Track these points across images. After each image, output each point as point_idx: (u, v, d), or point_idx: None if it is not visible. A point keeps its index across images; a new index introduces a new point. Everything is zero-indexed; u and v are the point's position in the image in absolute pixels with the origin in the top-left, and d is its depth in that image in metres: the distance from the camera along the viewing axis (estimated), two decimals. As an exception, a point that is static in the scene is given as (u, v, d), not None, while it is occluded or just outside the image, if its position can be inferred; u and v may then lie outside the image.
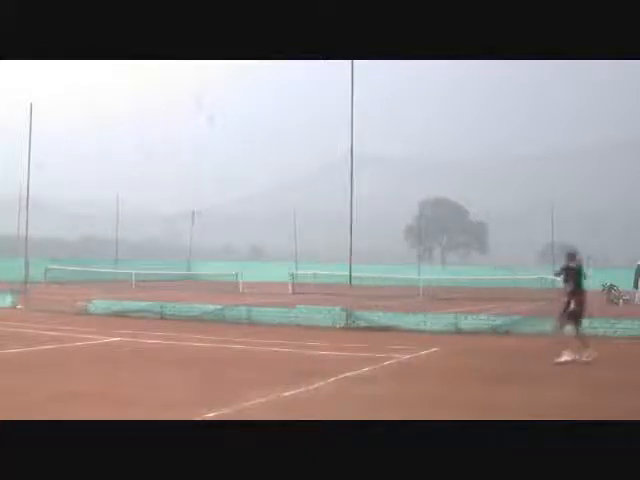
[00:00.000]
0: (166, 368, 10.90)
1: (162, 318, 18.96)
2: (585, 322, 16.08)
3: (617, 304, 27.46)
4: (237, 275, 37.98)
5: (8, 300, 22.25)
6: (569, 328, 11.85)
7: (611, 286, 29.28)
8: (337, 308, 17.97)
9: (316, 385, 9.24)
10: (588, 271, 14.18)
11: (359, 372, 10.54)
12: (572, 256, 12.31)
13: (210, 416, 7.25)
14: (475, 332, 16.20)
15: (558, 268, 13.01)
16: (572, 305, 11.79)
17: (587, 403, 8.46)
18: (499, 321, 16.79)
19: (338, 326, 17.22)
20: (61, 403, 7.94)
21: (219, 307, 19.34)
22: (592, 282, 34.51)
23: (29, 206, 26.89)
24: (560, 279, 12.52)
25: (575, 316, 11.83)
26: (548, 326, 16.17)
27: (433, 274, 43.33)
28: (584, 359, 11.32)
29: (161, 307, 19.80)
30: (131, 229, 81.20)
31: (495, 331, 16.23)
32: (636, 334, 15.35)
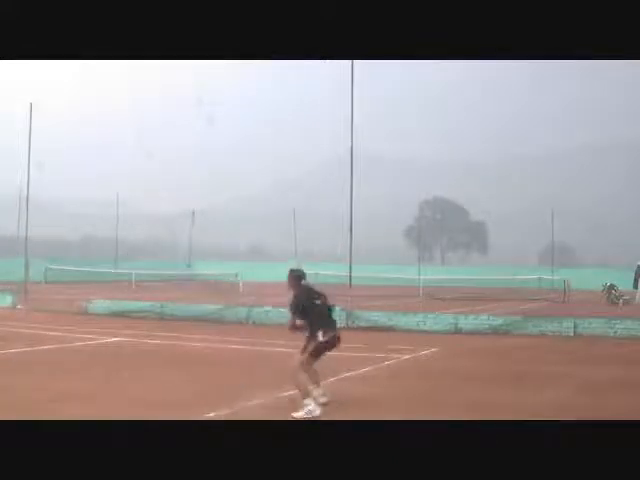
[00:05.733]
0: (166, 368, 10.90)
1: (162, 318, 18.95)
2: (585, 322, 16.20)
3: (617, 304, 27.46)
4: (237, 275, 37.98)
5: (8, 300, 22.24)
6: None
7: (611, 286, 29.28)
8: (337, 308, 17.95)
9: (316, 385, 9.22)
10: None
11: (359, 372, 10.54)
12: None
13: (210, 416, 7.25)
14: (475, 332, 16.20)
15: None
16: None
17: (587, 403, 8.46)
18: (499, 321, 16.79)
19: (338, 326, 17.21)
20: (61, 403, 7.94)
21: (219, 307, 19.34)
22: (592, 282, 34.72)
23: (29, 206, 26.86)
24: None
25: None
26: (548, 326, 16.22)
27: (433, 274, 43.33)
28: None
29: (161, 307, 19.80)
30: (131, 229, 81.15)
31: (495, 331, 16.23)
32: (636, 334, 15.35)
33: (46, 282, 37.77)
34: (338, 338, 8.39)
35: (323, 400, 8.01)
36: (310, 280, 8.85)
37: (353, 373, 10.37)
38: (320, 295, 8.45)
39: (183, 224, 68.12)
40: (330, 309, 8.56)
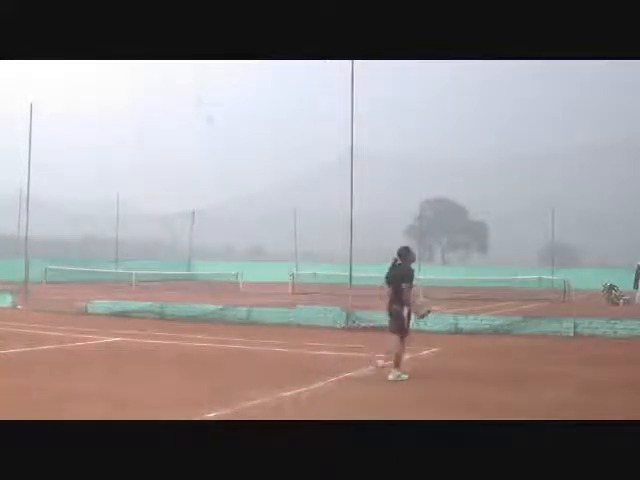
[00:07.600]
0: (166, 368, 10.90)
1: (162, 318, 18.95)
2: (585, 322, 16.18)
3: (617, 304, 27.46)
4: (237, 275, 38.00)
5: (8, 300, 22.23)
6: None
7: (611, 286, 29.28)
8: (337, 308, 17.96)
9: (316, 385, 9.24)
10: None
11: (359, 372, 10.53)
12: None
13: (210, 416, 7.25)
14: (475, 332, 16.20)
15: None
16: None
17: (587, 403, 8.46)
18: (499, 321, 16.78)
19: (338, 326, 17.22)
20: (61, 403, 7.94)
21: (219, 307, 19.34)
22: (592, 282, 34.70)
23: (29, 206, 26.87)
24: None
25: None
26: (548, 326, 16.21)
27: (433, 274, 43.32)
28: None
29: (161, 307, 19.79)
30: (131, 229, 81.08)
31: (495, 331, 16.22)
32: (636, 334, 15.35)
33: (46, 282, 37.76)
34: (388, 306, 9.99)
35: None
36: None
37: (353, 373, 10.36)
38: (394, 266, 9.94)
39: (183, 224, 68.16)
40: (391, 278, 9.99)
